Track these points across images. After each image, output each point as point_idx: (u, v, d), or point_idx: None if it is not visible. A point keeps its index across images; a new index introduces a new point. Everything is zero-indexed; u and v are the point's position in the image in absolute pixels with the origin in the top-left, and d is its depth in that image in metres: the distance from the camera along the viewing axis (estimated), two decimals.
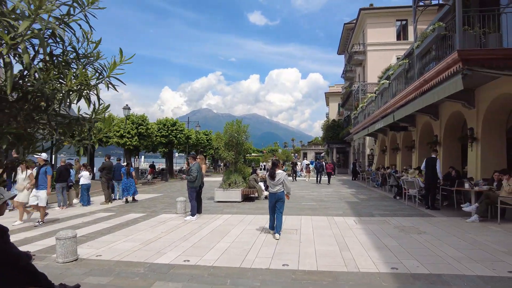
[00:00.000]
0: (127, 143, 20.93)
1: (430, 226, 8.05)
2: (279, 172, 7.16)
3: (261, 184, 13.76)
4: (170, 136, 26.31)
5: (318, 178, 22.94)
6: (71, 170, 12.46)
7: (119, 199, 14.18)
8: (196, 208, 9.42)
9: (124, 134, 20.96)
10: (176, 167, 36.35)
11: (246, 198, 13.43)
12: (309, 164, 29.10)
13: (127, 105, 21.09)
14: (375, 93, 19.75)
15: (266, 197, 13.67)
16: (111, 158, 13.98)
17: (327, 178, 23.20)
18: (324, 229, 7.92)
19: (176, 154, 42.73)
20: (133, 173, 13.37)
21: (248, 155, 64.02)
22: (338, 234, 7.32)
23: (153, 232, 7.77)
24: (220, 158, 12.88)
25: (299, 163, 24.36)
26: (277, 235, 6.99)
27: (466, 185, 9.79)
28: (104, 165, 12.93)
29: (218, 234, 7.43)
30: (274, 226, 7.16)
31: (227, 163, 16.80)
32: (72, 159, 15.20)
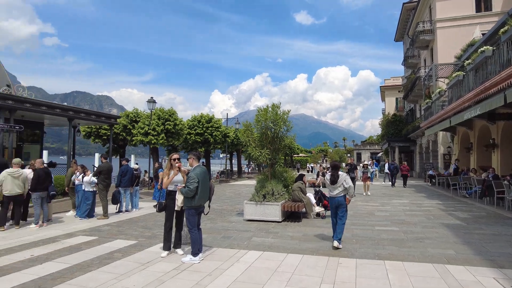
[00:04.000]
0: (153, 141, 18.07)
1: None
2: (339, 174, 6.46)
3: (311, 196, 9.73)
4: (205, 134, 23.22)
5: (392, 181, 20.57)
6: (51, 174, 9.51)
7: (126, 211, 11.08)
8: (201, 241, 5.72)
9: (149, 131, 18.13)
10: (214, 169, 33.51)
11: (289, 215, 9.53)
12: (367, 168, 17.32)
13: (151, 97, 18.25)
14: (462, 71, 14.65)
15: (318, 214, 9.63)
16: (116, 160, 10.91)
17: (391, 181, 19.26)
18: None
19: (221, 155, 39.90)
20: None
21: (296, 155, 59.84)
22: None
23: None
24: (252, 159, 9.30)
25: (359, 167, 18.97)
26: (335, 243, 6.25)
27: None
28: (101, 168, 9.80)
29: None
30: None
31: (261, 165, 12.89)
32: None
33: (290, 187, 10.12)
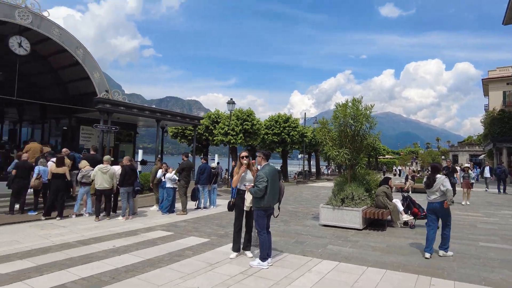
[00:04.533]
0: (231, 141, 18.46)
1: None
2: (437, 176, 5.85)
3: (397, 202, 8.58)
4: (283, 134, 22.94)
5: (504, 187, 18.19)
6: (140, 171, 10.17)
7: (204, 208, 11.37)
8: (270, 245, 5.31)
9: (228, 131, 18.58)
10: (292, 169, 33.04)
11: (371, 223, 8.55)
12: (468, 171, 14.19)
13: (231, 99, 18.66)
14: None
15: (406, 223, 8.45)
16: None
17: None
18: None
19: (299, 155, 39.33)
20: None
21: (381, 157, 55.62)
22: None
23: None
24: (329, 159, 8.58)
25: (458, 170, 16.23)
26: (427, 254, 5.69)
27: None
28: (183, 165, 10.19)
29: None
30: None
31: (342, 167, 11.94)
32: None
33: (373, 192, 9.10)
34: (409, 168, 23.67)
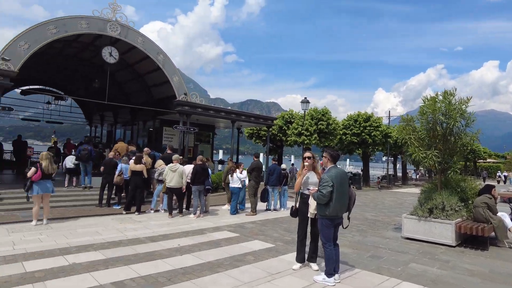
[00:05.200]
0: (305, 142, 17.79)
1: None
2: None
3: (504, 216, 6.96)
4: (363, 134, 21.37)
5: None
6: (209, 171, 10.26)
7: (274, 210, 11.00)
8: (337, 259, 4.61)
9: (302, 131, 17.97)
10: (375, 173, 30.60)
11: (468, 240, 7.11)
12: None
13: (305, 98, 17.99)
14: None
15: None
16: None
17: None
18: None
19: (384, 158, 36.44)
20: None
21: (481, 160, 48.09)
22: None
23: None
24: (415, 162, 7.32)
25: None
26: None
27: None
28: (253, 165, 9.99)
29: None
30: None
31: (433, 171, 10.21)
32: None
33: (470, 202, 7.60)
34: None
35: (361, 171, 25.68)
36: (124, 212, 9.50)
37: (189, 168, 9.76)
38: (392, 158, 30.17)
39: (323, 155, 4.77)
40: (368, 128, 21.28)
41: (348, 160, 58.51)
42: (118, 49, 14.03)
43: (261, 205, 10.70)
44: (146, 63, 14.96)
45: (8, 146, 18.86)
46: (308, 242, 5.26)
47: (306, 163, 5.11)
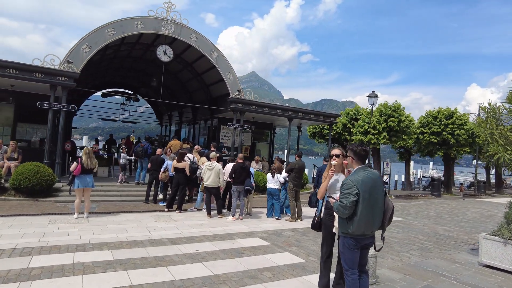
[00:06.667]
0: (372, 141, 15.91)
1: None
2: None
3: None
4: (444, 133, 18.44)
5: None
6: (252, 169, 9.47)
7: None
8: None
9: (368, 129, 16.12)
10: (461, 178, 26.39)
11: None
12: None
13: (373, 91, 16.11)
14: None
15: None
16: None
17: None
18: None
19: (474, 162, 31.55)
20: None
21: None
22: None
23: None
24: (498, 165, 5.51)
25: None
26: None
27: None
28: (292, 165, 8.97)
29: None
30: None
31: None
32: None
33: None
34: None
35: (443, 176, 22.33)
36: (166, 210, 9.32)
37: (229, 167, 9.17)
38: (485, 162, 25.70)
39: (348, 154, 3.60)
40: (451, 126, 18.22)
41: (431, 163, 52.61)
42: (175, 48, 14.24)
43: (311, 211, 9.58)
44: (202, 61, 14.93)
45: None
46: (334, 264, 4.13)
47: (333, 162, 4.01)
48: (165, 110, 25.35)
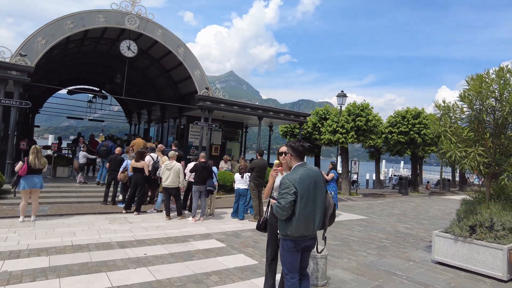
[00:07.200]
0: (340, 140, 16.01)
1: None
2: None
3: None
4: (411, 132, 18.87)
5: None
6: (215, 168, 9.20)
7: None
8: None
9: (337, 128, 16.21)
10: (430, 176, 27.23)
11: None
12: None
13: (342, 91, 16.23)
14: None
15: None
16: None
17: None
18: None
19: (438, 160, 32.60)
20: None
21: None
22: None
23: None
24: (451, 163, 5.52)
25: None
26: None
27: None
28: (253, 164, 8.77)
29: None
30: None
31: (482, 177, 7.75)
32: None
33: None
34: None
35: (411, 175, 22.90)
36: (123, 211, 8.89)
37: (191, 166, 8.86)
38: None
39: (286, 150, 3.42)
40: (418, 126, 18.67)
41: (402, 162, 54.11)
42: (142, 44, 13.73)
43: None
44: (170, 57, 14.47)
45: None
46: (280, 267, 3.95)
47: (283, 161, 3.81)
48: (134, 108, 24.58)
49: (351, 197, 15.83)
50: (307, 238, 3.18)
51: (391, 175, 38.56)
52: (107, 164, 10.07)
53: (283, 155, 3.79)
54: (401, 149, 20.75)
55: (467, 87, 5.70)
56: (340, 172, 17.07)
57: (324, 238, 3.35)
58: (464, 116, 5.73)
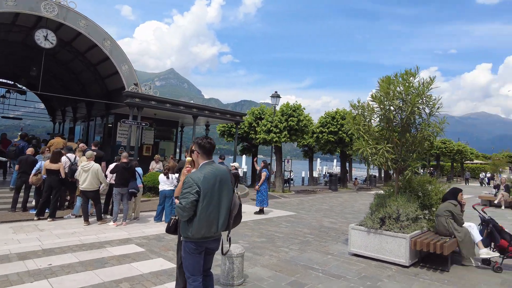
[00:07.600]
0: (274, 139, 16.36)
1: None
2: None
3: (472, 228, 5.60)
4: (340, 132, 20.01)
5: None
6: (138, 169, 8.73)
7: None
8: None
9: (271, 128, 16.54)
10: (360, 174, 29.30)
11: (427, 257, 5.68)
12: None
13: (276, 92, 16.60)
14: None
15: (486, 262, 5.45)
16: None
17: None
18: None
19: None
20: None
21: (468, 162, 47.03)
22: None
23: None
24: (365, 160, 5.93)
25: None
26: None
27: None
28: (180, 165, 8.46)
29: None
30: None
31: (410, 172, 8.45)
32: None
33: (435, 209, 6.24)
34: (503, 176, 18.46)
35: (340, 172, 24.34)
36: (35, 218, 7.97)
37: (111, 167, 8.27)
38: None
39: (193, 148, 3.29)
40: (346, 126, 19.88)
41: (335, 160, 57.39)
42: (63, 34, 12.53)
43: None
44: (95, 51, 13.44)
45: None
46: None
47: (189, 158, 3.66)
48: (58, 106, 22.46)
49: (284, 194, 16.27)
50: (209, 239, 3.06)
51: (325, 173, 40.61)
52: (17, 166, 8.97)
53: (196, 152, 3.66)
54: (331, 148, 21.91)
55: (378, 88, 6.13)
56: (275, 170, 17.46)
57: (229, 240, 3.27)
58: (376, 115, 6.14)
